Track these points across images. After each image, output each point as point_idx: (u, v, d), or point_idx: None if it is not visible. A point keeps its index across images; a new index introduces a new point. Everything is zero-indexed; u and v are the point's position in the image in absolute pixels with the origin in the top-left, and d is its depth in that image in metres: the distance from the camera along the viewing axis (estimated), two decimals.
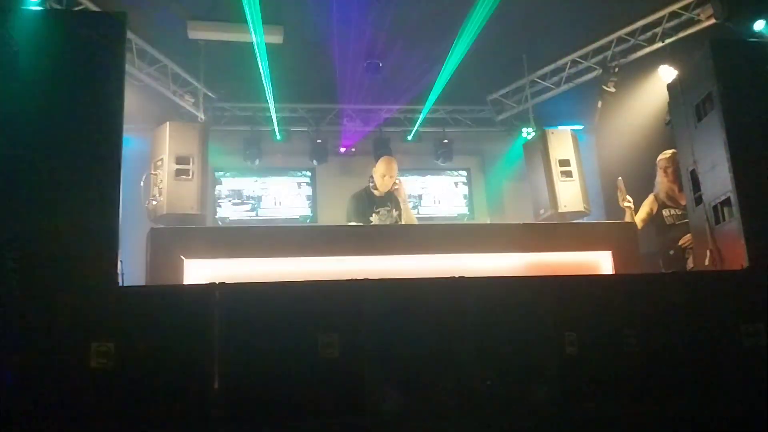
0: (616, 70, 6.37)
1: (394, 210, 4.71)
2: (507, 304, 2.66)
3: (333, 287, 2.64)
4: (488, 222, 7.59)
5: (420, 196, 7.84)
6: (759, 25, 4.68)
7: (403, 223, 4.70)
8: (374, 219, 4.65)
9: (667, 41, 5.98)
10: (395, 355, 2.49)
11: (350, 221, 4.65)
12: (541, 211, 6.15)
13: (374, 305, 2.54)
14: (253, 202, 7.64)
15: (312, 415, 2.37)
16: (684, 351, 2.67)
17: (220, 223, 7.36)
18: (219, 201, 7.52)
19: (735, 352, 2.70)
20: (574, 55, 6.81)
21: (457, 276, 2.68)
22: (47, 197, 2.56)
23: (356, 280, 2.61)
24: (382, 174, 4.76)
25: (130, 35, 5.64)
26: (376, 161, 5.00)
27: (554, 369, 2.54)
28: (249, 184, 7.67)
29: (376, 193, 4.77)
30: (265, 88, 6.33)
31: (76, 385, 2.28)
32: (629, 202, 4.61)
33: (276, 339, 2.42)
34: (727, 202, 3.19)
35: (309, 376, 2.40)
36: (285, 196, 7.72)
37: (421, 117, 7.50)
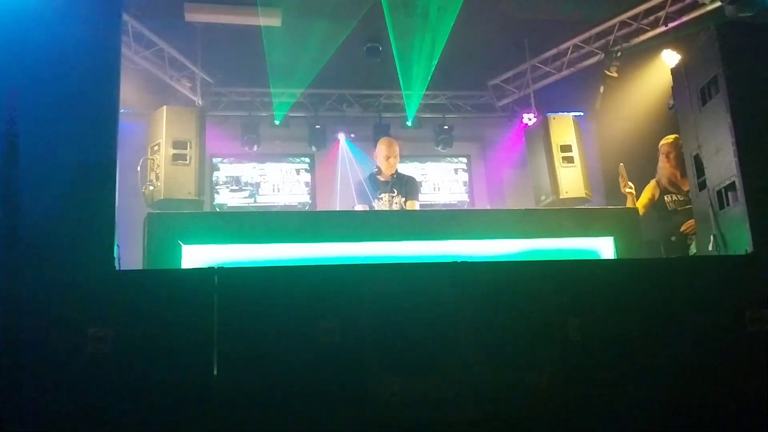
0: (619, 54, 6.31)
1: (399, 196, 4.59)
2: (509, 289, 2.62)
3: (334, 272, 2.61)
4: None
5: (420, 183, 7.81)
6: None
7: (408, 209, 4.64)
8: (376, 205, 4.58)
9: (671, 25, 5.92)
10: (396, 340, 2.46)
11: (355, 206, 4.61)
12: (543, 197, 6.13)
13: (375, 290, 2.51)
14: (251, 188, 7.60)
15: (312, 401, 2.35)
16: (688, 336, 2.64)
17: (217, 209, 7.32)
18: (217, 187, 7.48)
19: (740, 338, 2.67)
20: (576, 40, 6.73)
21: (459, 261, 2.64)
22: (42, 181, 2.51)
23: (357, 264, 2.59)
24: (385, 156, 4.65)
25: (126, 17, 5.57)
26: (376, 146, 4.90)
27: (558, 355, 2.52)
28: (247, 171, 7.62)
29: (380, 178, 4.67)
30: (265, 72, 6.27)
31: (73, 370, 2.25)
32: (631, 188, 4.58)
33: (276, 324, 2.39)
34: (731, 186, 3.15)
35: (309, 362, 2.37)
36: (283, 183, 7.68)
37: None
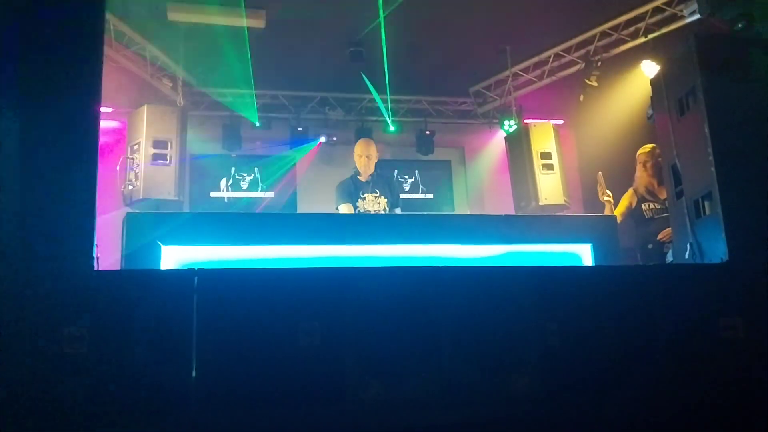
0: (599, 64, 6.38)
1: (382, 197, 4.70)
2: (489, 294, 2.64)
3: (314, 275, 2.61)
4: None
5: (397, 181, 7.81)
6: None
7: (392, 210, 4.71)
8: (360, 205, 4.65)
9: (650, 36, 6.01)
10: (376, 344, 2.46)
11: (338, 206, 4.63)
12: (522, 204, 6.20)
13: (356, 294, 2.51)
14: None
15: (291, 404, 2.34)
16: (663, 343, 2.68)
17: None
18: None
19: (713, 345, 2.71)
20: (557, 49, 6.80)
21: (439, 266, 2.65)
22: (21, 179, 2.47)
23: (338, 268, 2.58)
24: (359, 155, 4.76)
25: (108, 16, 5.49)
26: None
27: (536, 360, 2.54)
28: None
29: (361, 179, 4.76)
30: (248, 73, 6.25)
31: (48, 371, 2.21)
32: (609, 196, 4.65)
33: (256, 326, 2.37)
34: (708, 196, 3.20)
35: (289, 364, 2.36)
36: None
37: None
